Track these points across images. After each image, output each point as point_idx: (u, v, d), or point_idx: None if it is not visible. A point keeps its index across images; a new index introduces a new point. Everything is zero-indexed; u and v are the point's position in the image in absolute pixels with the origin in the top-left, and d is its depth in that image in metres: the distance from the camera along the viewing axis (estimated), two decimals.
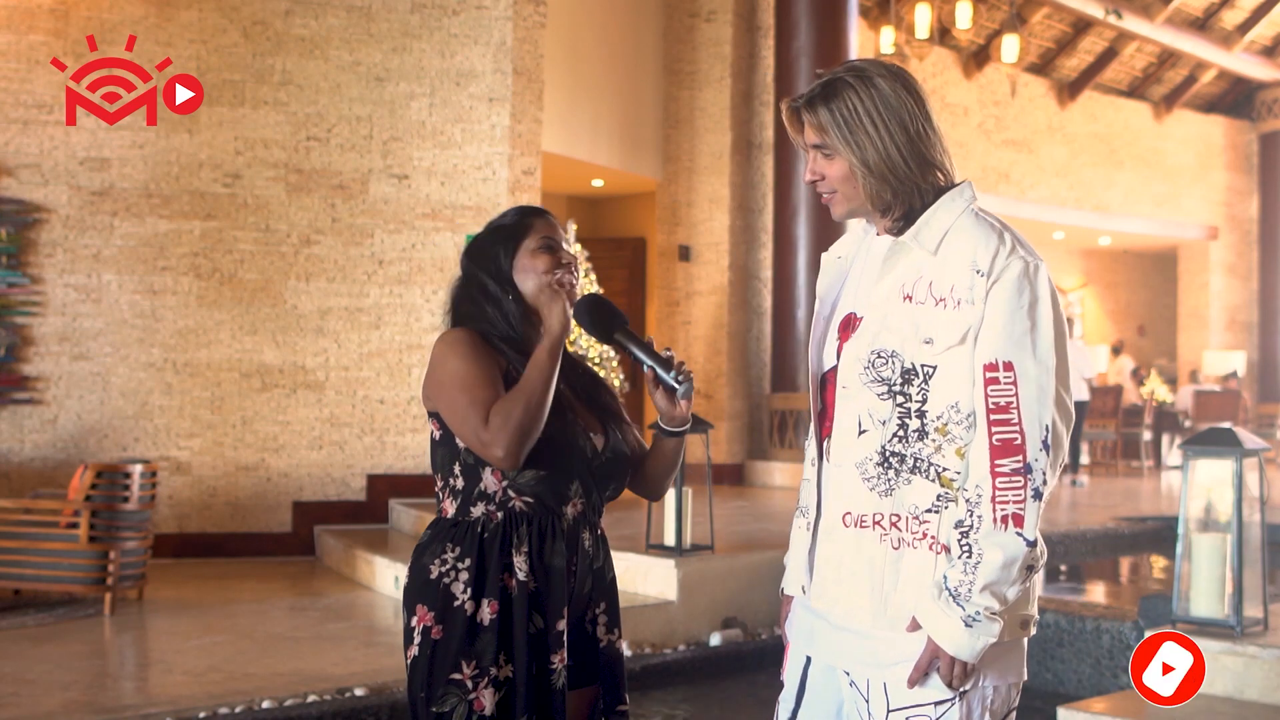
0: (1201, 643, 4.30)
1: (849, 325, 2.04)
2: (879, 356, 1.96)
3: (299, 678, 4.97)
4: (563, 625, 2.19)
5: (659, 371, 2.13)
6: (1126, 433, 14.00)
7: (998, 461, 1.88)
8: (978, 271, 1.92)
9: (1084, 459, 13.68)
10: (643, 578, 6.10)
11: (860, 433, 1.97)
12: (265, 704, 4.54)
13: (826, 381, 2.07)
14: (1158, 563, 8.06)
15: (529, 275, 2.30)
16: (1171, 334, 19.11)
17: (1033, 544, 1.90)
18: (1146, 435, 14.16)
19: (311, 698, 4.63)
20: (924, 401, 1.94)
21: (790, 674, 2.15)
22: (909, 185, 2.00)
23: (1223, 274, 18.33)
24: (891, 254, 2.00)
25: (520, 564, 2.18)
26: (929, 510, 1.94)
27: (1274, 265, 18.30)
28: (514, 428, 2.11)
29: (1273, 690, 4.19)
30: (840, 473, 2.01)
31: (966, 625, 1.87)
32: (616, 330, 2.23)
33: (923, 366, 1.93)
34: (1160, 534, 8.05)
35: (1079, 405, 12.08)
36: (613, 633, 2.31)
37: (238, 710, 4.46)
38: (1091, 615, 5.21)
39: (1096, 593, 7.40)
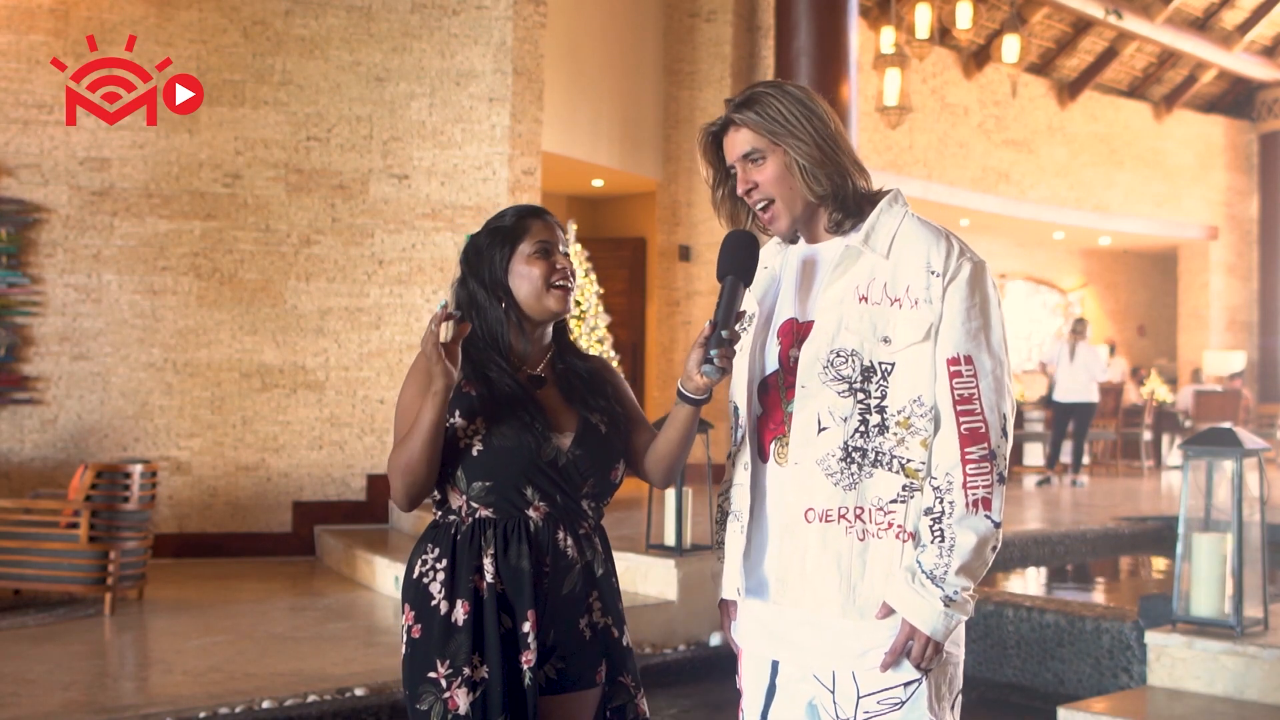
0: (1201, 643, 4.32)
1: (790, 330, 2.12)
2: (838, 355, 2.04)
3: (299, 678, 4.97)
4: (528, 627, 2.19)
5: (711, 339, 2.10)
6: (1126, 433, 14.00)
7: (967, 449, 2.00)
8: (933, 272, 2.03)
9: (1084, 459, 13.68)
10: (643, 578, 6.10)
11: (820, 430, 2.04)
12: (265, 704, 4.54)
13: (767, 386, 2.14)
14: (1158, 563, 8.05)
15: (524, 280, 2.32)
16: (1171, 334, 19.11)
17: (999, 525, 2.03)
18: (1146, 435, 14.16)
19: (311, 698, 4.63)
20: (883, 397, 2.03)
21: (752, 678, 2.21)
22: (841, 174, 2.10)
23: (1223, 274, 18.33)
24: (843, 259, 2.09)
25: (488, 566, 2.21)
26: (894, 501, 2.03)
27: (1274, 265, 18.30)
28: (396, 482, 2.23)
29: (1273, 690, 4.19)
30: (799, 470, 2.06)
31: (945, 606, 1.98)
32: (732, 276, 2.13)
33: (881, 364, 2.03)
34: (1160, 534, 8.04)
35: (1087, 406, 12.04)
36: (607, 616, 2.33)
37: (238, 710, 4.47)
38: (1091, 615, 5.20)
39: (1096, 593, 7.39)
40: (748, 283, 2.15)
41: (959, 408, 2.00)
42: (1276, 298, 18.29)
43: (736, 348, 2.13)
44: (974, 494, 1.99)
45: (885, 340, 2.02)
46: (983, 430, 2.00)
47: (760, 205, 2.13)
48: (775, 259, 2.23)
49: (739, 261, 2.14)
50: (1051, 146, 16.20)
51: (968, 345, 2.01)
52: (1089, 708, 4.29)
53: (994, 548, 2.02)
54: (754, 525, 2.14)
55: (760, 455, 2.14)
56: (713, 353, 2.08)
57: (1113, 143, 16.93)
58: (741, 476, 2.16)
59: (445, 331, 2.11)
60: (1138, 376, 16.20)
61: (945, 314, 2.02)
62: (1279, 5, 16.54)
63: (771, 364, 2.14)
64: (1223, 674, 4.30)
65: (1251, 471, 4.39)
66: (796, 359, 2.09)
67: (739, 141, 2.12)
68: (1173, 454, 14.41)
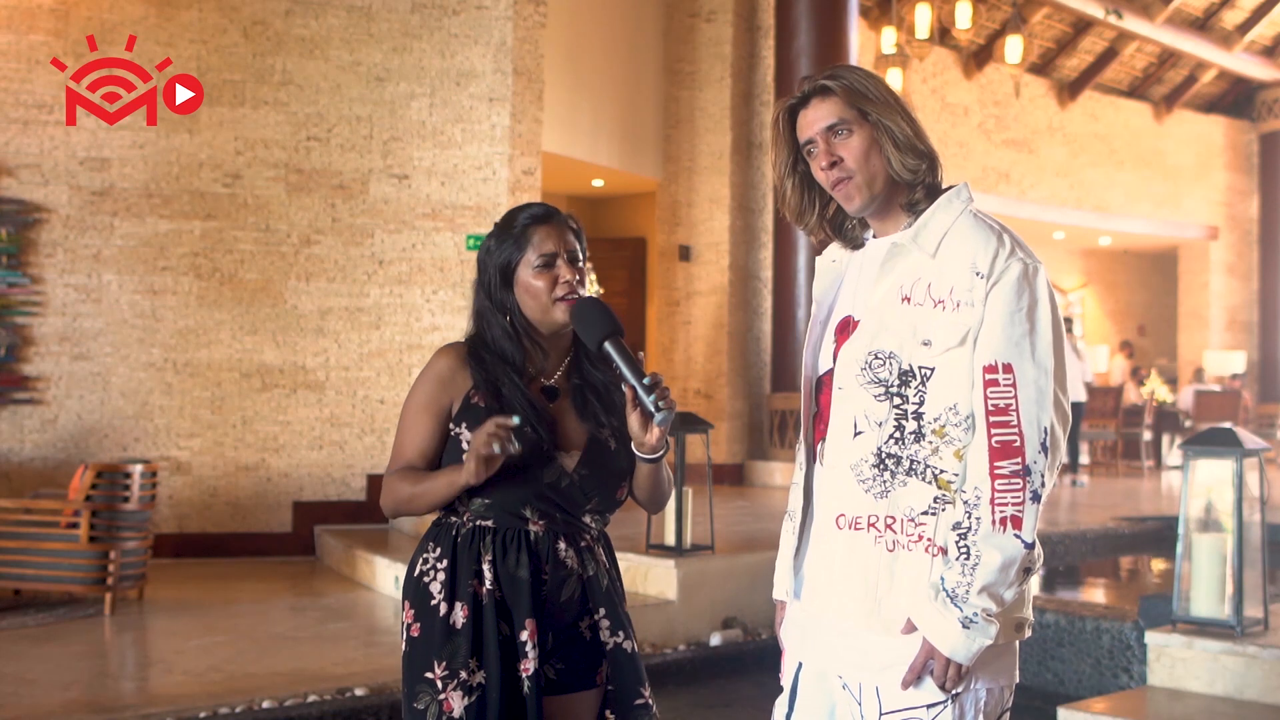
0: (1201, 643, 4.32)
1: (846, 328, 2.04)
2: (876, 358, 1.95)
3: (299, 678, 4.96)
4: (526, 635, 2.18)
5: (639, 392, 2.08)
6: (1126, 433, 13.99)
7: (997, 463, 1.88)
8: (977, 274, 1.92)
9: (1084, 459, 13.67)
10: (643, 578, 6.09)
11: (856, 434, 1.97)
12: (265, 704, 4.54)
13: (822, 384, 2.08)
14: (1158, 563, 8.05)
15: (528, 295, 2.26)
16: (1171, 334, 19.11)
17: (1031, 546, 1.90)
18: (1147, 435, 14.15)
19: (311, 698, 4.63)
20: (921, 403, 1.94)
21: (786, 678, 2.15)
22: (929, 159, 2.01)
23: (1223, 274, 18.32)
24: (890, 256, 2.00)
25: (487, 571, 2.20)
26: (925, 512, 1.93)
27: (1274, 265, 18.30)
28: (390, 506, 2.27)
29: (1273, 690, 4.19)
30: (834, 474, 2.00)
31: (964, 627, 1.87)
32: (606, 340, 2.13)
33: (920, 368, 1.93)
34: (1160, 534, 8.05)
35: (1075, 407, 12.07)
36: (618, 635, 2.28)
37: (238, 710, 4.46)
38: (1091, 615, 5.20)
39: (1096, 593, 7.39)
40: (621, 333, 2.15)
41: (992, 419, 1.89)
42: (1276, 298, 18.29)
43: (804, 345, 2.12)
44: (1002, 511, 1.87)
45: (925, 344, 1.93)
46: (1017, 444, 1.88)
47: (837, 180, 2.00)
48: (844, 252, 2.15)
49: (602, 324, 2.14)
50: (1051, 146, 16.20)
51: (1009, 352, 1.89)
52: (1089, 708, 4.28)
53: (1026, 569, 1.90)
54: (804, 525, 2.10)
55: (810, 454, 2.09)
56: (651, 399, 2.07)
57: (1113, 143, 16.93)
58: (798, 475, 2.12)
59: (500, 446, 2.09)
60: (1138, 376, 16.21)
61: (986, 318, 1.90)
62: (1279, 5, 16.54)
63: (826, 363, 2.07)
64: (1223, 674, 4.30)
65: (1251, 471, 4.39)
66: None
67: (825, 112, 1.99)
68: (1173, 454, 14.41)
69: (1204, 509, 4.48)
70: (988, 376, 1.89)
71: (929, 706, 1.92)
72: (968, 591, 1.87)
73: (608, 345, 2.12)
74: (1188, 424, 14.87)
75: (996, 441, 1.89)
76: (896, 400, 1.94)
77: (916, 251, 1.97)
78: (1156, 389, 15.44)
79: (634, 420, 2.11)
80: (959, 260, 1.94)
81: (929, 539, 1.93)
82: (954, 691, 1.91)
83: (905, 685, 1.92)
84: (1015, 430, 1.89)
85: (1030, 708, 5.09)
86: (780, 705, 2.15)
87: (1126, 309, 20.09)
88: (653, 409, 2.07)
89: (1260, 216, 18.47)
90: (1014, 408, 1.89)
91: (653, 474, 2.26)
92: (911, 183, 2.01)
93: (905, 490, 1.94)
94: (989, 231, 1.97)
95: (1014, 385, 1.89)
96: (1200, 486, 4.49)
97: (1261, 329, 18.43)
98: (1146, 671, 4.54)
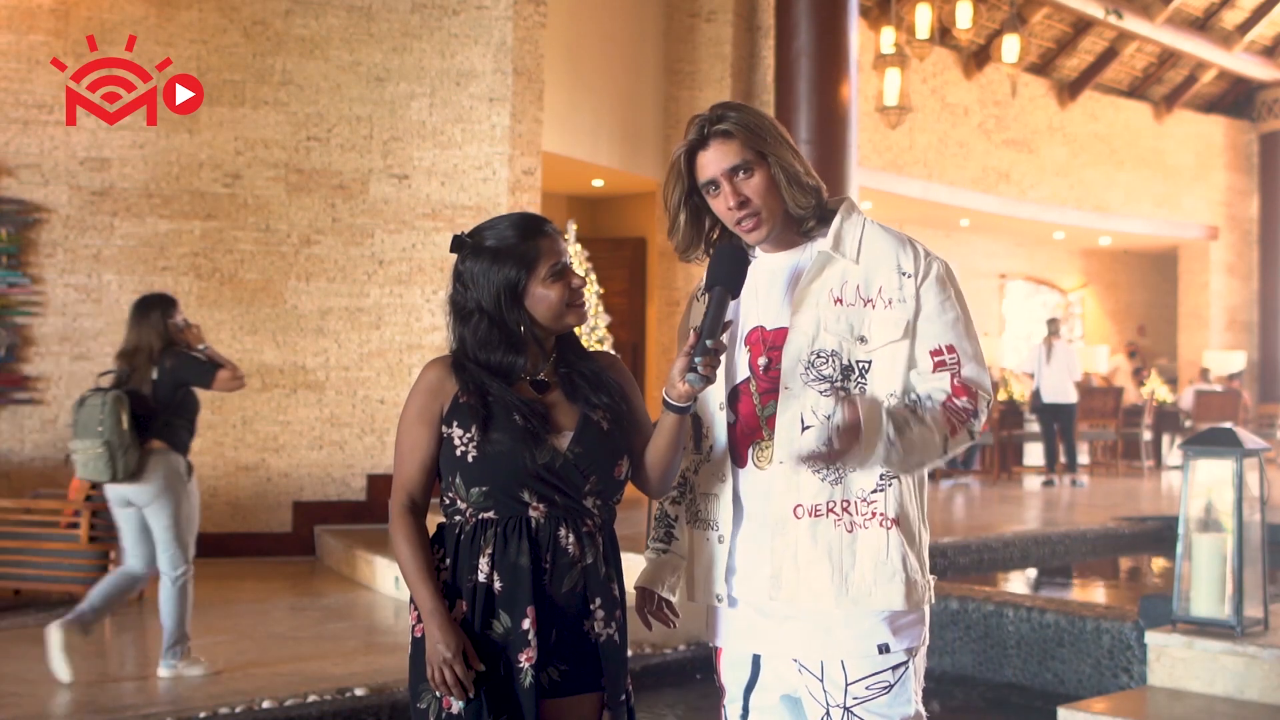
0: (1201, 643, 4.32)
1: (758, 339, 2.20)
2: (819, 356, 2.13)
3: (299, 678, 4.97)
4: (528, 624, 2.18)
5: (696, 348, 2.12)
6: (1126, 433, 13.99)
7: (954, 399, 2.13)
8: (904, 274, 2.14)
9: (1084, 459, 13.66)
10: None
11: (804, 429, 2.11)
12: (265, 704, 4.54)
13: (739, 394, 2.21)
14: (1158, 563, 8.05)
15: (541, 303, 2.29)
16: (1171, 334, 19.11)
17: (938, 459, 2.15)
18: (1147, 435, 14.15)
19: (311, 698, 4.63)
20: (862, 394, 2.12)
21: (733, 676, 2.27)
22: (816, 193, 2.19)
23: (1223, 274, 18.32)
24: (816, 263, 2.17)
25: (483, 565, 2.21)
26: (875, 491, 2.12)
27: (1274, 265, 18.30)
28: (392, 540, 2.31)
29: (1273, 690, 4.19)
30: (784, 470, 2.13)
31: (888, 439, 2.04)
32: (720, 286, 2.15)
33: (858, 362, 2.13)
34: (1160, 534, 8.04)
35: (1068, 407, 12.08)
36: (610, 626, 2.28)
37: (238, 710, 4.47)
38: (1091, 615, 5.20)
39: (1096, 593, 7.39)
40: (735, 294, 2.18)
41: (954, 382, 2.12)
42: (1276, 298, 18.29)
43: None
44: (948, 426, 2.10)
45: (861, 340, 2.12)
46: (968, 399, 2.13)
47: (744, 217, 2.17)
48: None
49: (728, 273, 2.17)
50: (1051, 146, 16.20)
51: (949, 335, 2.13)
52: (1089, 708, 4.28)
53: (923, 464, 2.14)
54: (734, 531, 2.20)
55: (738, 462, 2.20)
56: (697, 360, 2.10)
57: (1113, 143, 16.93)
58: (717, 486, 2.22)
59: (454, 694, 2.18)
60: (1139, 377, 16.20)
61: (923, 310, 2.13)
62: (1279, 5, 16.54)
63: (742, 372, 2.21)
64: (1223, 674, 4.30)
65: (1252, 471, 4.39)
66: (766, 366, 2.16)
67: (728, 153, 2.17)
68: (1173, 454, 14.41)
69: (1204, 509, 4.48)
70: (935, 359, 2.13)
71: (893, 669, 2.13)
72: (906, 424, 2.06)
73: (716, 291, 2.15)
74: (1188, 424, 14.86)
75: (957, 383, 2.14)
76: (841, 393, 2.12)
77: (840, 258, 2.16)
78: (1156, 389, 15.44)
79: (679, 363, 2.15)
80: (883, 263, 2.15)
81: (881, 514, 2.12)
82: (837, 449, 2.04)
83: (817, 442, 2.05)
84: (968, 391, 2.15)
85: (1030, 708, 5.10)
86: (733, 701, 2.27)
87: (1126, 309, 20.09)
88: (692, 365, 2.13)
89: (1260, 216, 18.48)
90: (960, 375, 2.14)
91: (672, 429, 2.25)
92: (802, 217, 2.19)
93: (855, 474, 2.12)
94: (899, 237, 2.19)
95: (958, 361, 2.14)
96: (1200, 486, 4.49)
97: (1261, 329, 18.43)
98: (1146, 671, 4.54)
